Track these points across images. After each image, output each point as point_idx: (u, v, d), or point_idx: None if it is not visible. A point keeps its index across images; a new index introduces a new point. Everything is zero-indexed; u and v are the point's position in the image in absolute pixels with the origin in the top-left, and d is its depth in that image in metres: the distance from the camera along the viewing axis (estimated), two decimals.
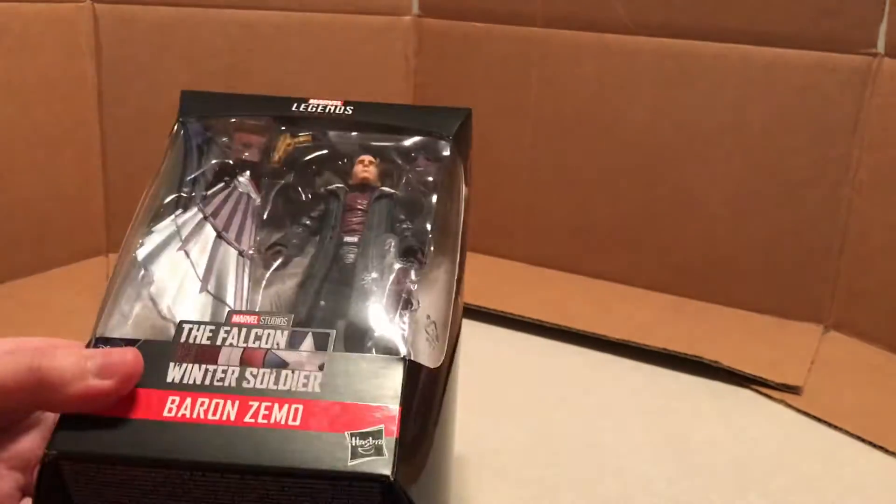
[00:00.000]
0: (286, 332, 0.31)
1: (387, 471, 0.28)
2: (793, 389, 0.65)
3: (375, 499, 0.28)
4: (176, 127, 0.41)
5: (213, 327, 0.31)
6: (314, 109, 0.42)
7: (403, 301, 0.34)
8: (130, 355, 0.29)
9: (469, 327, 0.75)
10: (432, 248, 0.36)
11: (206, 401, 0.29)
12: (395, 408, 0.29)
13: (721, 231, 0.78)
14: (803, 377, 0.66)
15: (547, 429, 0.60)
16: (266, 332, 0.32)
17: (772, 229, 0.76)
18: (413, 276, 0.35)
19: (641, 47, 0.78)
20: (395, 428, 0.29)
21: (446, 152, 0.40)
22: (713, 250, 0.79)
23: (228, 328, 0.32)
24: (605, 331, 0.71)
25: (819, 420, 0.62)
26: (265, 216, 0.38)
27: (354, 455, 0.28)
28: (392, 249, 0.36)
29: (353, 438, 0.29)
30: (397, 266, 0.35)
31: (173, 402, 0.29)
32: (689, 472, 0.55)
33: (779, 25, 0.72)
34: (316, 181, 0.39)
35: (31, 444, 0.32)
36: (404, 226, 0.38)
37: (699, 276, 0.80)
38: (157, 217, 0.36)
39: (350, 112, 0.42)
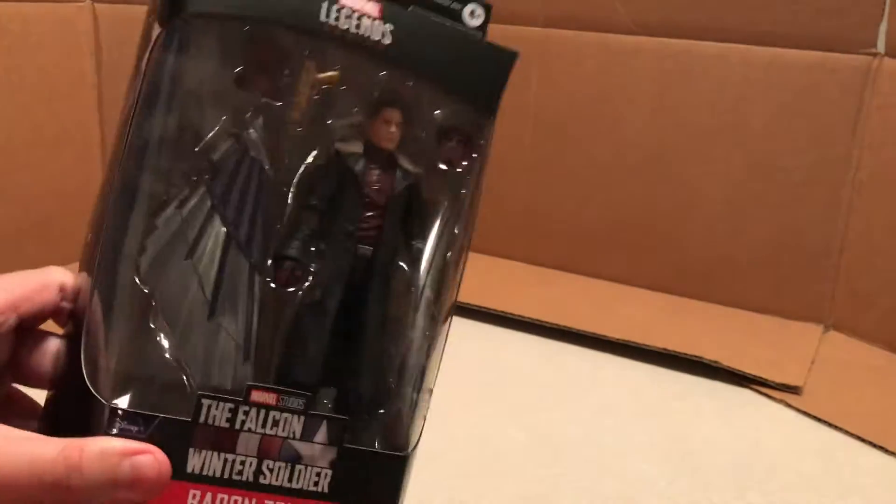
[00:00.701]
0: (302, 419, 0.31)
1: None
2: (793, 389, 0.65)
3: None
4: (171, 28, 0.29)
5: (232, 406, 0.30)
6: (348, 26, 0.31)
7: (415, 380, 0.33)
8: (165, 469, 0.28)
9: (469, 327, 0.75)
10: (440, 291, 0.34)
11: (226, 497, 0.30)
12: None
13: (721, 231, 0.78)
14: (803, 377, 0.66)
15: (547, 429, 0.60)
16: (283, 416, 0.31)
17: (772, 229, 0.76)
18: (428, 348, 0.34)
19: (642, 47, 0.78)
20: None
21: (483, 139, 0.35)
22: (713, 250, 0.79)
23: (247, 408, 0.31)
24: (605, 331, 0.71)
25: (819, 420, 0.62)
26: (276, 193, 0.32)
27: None
28: (404, 286, 0.33)
29: None
30: (410, 323, 0.33)
31: (194, 496, 0.30)
32: (689, 472, 0.55)
33: (779, 25, 0.72)
34: (332, 133, 0.32)
35: None
36: (419, 248, 0.34)
37: (699, 276, 0.80)
38: (159, 202, 0.30)
39: (389, 41, 0.32)
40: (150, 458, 0.28)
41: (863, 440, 0.59)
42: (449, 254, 0.34)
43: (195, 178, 0.31)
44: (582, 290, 0.82)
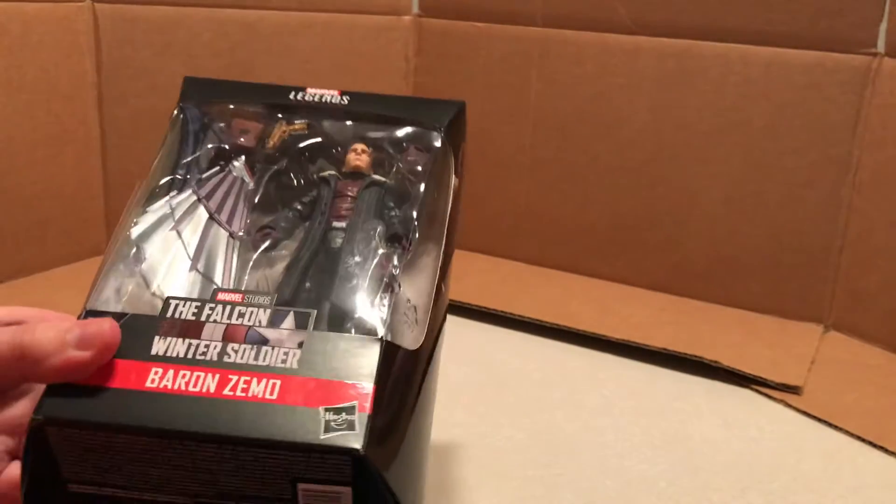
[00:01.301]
0: (268, 311, 0.32)
1: (357, 444, 0.28)
2: (793, 389, 0.65)
3: (346, 471, 0.29)
4: (176, 112, 0.42)
5: (198, 303, 0.32)
6: (311, 98, 0.42)
7: (385, 284, 0.34)
8: (107, 325, 0.30)
9: (469, 327, 0.75)
10: (417, 236, 0.37)
11: (188, 373, 0.30)
12: (369, 386, 0.30)
13: (721, 231, 0.78)
14: (803, 377, 0.66)
15: (547, 429, 0.60)
16: (249, 309, 0.32)
17: (772, 229, 0.76)
18: (396, 260, 0.36)
19: (642, 47, 0.78)
20: (368, 405, 0.30)
21: (437, 143, 0.41)
22: (713, 250, 0.79)
23: (213, 305, 0.32)
24: (605, 331, 0.71)
25: (819, 420, 0.62)
26: (257, 200, 0.39)
27: (327, 429, 0.29)
28: (378, 235, 0.37)
29: (327, 413, 0.29)
30: (381, 251, 0.36)
31: (156, 373, 0.30)
32: (688, 472, 0.55)
33: (779, 25, 0.72)
34: (309, 168, 0.40)
35: (21, 410, 0.33)
36: (392, 213, 0.38)
37: (699, 276, 0.80)
38: (153, 198, 0.37)
39: (346, 102, 0.42)
40: (94, 321, 0.30)
41: (863, 440, 0.59)
42: (421, 209, 0.38)
43: (186, 183, 0.38)
44: (582, 290, 0.82)
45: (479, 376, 0.67)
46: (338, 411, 0.29)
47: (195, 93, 0.43)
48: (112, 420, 0.29)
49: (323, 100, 0.42)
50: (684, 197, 0.79)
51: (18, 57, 0.74)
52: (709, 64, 0.75)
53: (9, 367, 0.30)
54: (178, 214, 0.37)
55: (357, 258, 0.36)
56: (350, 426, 0.29)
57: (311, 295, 0.34)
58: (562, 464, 0.55)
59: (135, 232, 0.36)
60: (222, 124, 0.41)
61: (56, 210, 0.80)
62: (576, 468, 0.55)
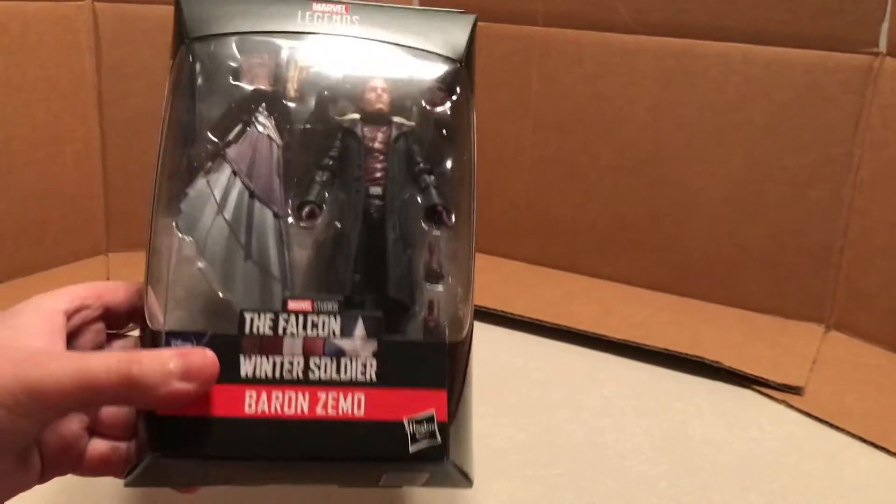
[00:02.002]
0: (339, 318, 0.34)
1: (442, 455, 0.33)
2: (794, 390, 0.65)
3: (427, 467, 0.34)
4: (178, 55, 0.38)
5: (272, 316, 0.34)
6: (319, 20, 0.40)
7: (435, 273, 0.36)
8: (210, 360, 0.32)
9: None
10: (454, 217, 0.38)
11: (280, 394, 0.33)
12: (442, 393, 0.34)
13: (722, 230, 0.78)
14: (804, 377, 0.66)
15: (547, 429, 0.60)
16: (321, 318, 0.34)
17: (773, 229, 0.76)
18: (442, 245, 0.37)
19: (642, 46, 0.78)
20: (444, 411, 0.33)
21: (458, 82, 0.39)
22: (714, 250, 0.79)
23: (286, 316, 0.34)
24: (605, 330, 0.71)
25: (820, 420, 0.62)
26: (288, 159, 0.37)
27: (413, 440, 0.33)
28: (416, 208, 0.37)
29: (410, 424, 0.33)
30: (426, 234, 0.37)
31: (251, 397, 0.33)
32: (689, 472, 0.55)
33: (780, 24, 0.72)
34: (330, 109, 0.38)
35: None
36: (425, 175, 0.38)
37: (700, 275, 0.80)
38: (187, 173, 0.36)
39: (356, 20, 0.40)
40: (197, 352, 0.32)
41: (864, 440, 0.59)
42: (451, 170, 0.38)
43: (216, 154, 0.37)
44: (582, 289, 0.82)
45: (479, 376, 0.66)
46: (419, 422, 0.33)
47: (193, 21, 0.38)
48: (224, 453, 0.32)
49: (332, 20, 0.40)
50: (685, 196, 0.79)
51: (18, 56, 0.74)
52: (710, 63, 0.75)
53: (116, 396, 0.31)
54: (218, 195, 0.36)
55: (402, 239, 0.37)
56: (432, 436, 0.33)
57: (363, 284, 0.35)
58: (562, 464, 0.55)
59: (183, 222, 0.35)
60: (233, 64, 0.38)
61: (56, 210, 0.80)
62: (576, 468, 0.55)
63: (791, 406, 0.64)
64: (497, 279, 0.84)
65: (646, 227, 0.82)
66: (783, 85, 0.73)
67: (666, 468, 0.55)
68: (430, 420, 0.33)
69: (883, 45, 0.69)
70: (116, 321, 0.38)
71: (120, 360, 0.31)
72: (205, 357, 0.32)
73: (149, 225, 0.36)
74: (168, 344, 0.33)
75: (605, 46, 0.79)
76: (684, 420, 0.62)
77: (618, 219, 0.83)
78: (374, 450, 0.33)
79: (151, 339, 0.34)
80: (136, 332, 0.37)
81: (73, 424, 0.35)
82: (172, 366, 0.31)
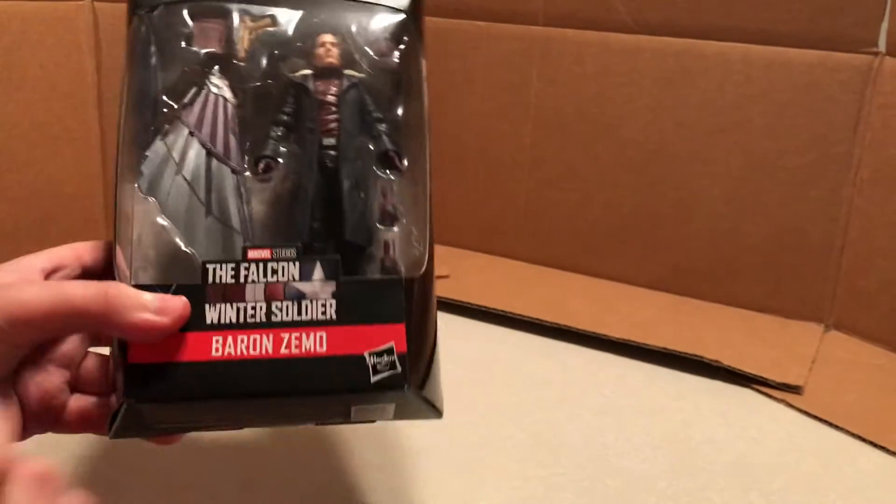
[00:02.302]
0: (297, 264, 0.36)
1: (403, 384, 0.35)
2: (794, 389, 0.65)
3: (392, 397, 0.35)
4: (134, 23, 0.39)
5: (233, 265, 0.36)
6: None
7: (389, 215, 0.38)
8: (182, 301, 0.34)
9: (469, 326, 0.75)
10: (405, 150, 0.39)
11: (245, 338, 0.34)
12: (400, 325, 0.35)
13: (722, 230, 0.78)
14: (804, 377, 0.66)
15: (547, 429, 0.60)
16: (280, 265, 0.36)
17: (772, 228, 0.76)
18: (395, 188, 0.38)
19: (642, 46, 0.78)
20: (403, 343, 0.35)
21: (405, 31, 0.41)
22: (714, 249, 0.79)
23: (247, 264, 0.36)
24: (605, 330, 0.71)
25: (820, 420, 0.62)
26: (242, 118, 0.39)
27: (374, 371, 0.35)
28: (370, 154, 0.38)
29: (371, 357, 0.35)
30: (379, 179, 0.38)
31: (217, 342, 0.34)
32: (689, 472, 0.55)
33: (780, 24, 0.72)
34: (281, 67, 0.40)
35: (72, 344, 0.37)
36: (377, 124, 0.39)
37: (700, 275, 0.80)
38: (145, 138, 0.38)
39: None
40: (170, 296, 0.34)
41: (864, 440, 0.59)
42: (403, 118, 0.39)
43: (173, 117, 0.38)
44: (582, 289, 0.82)
45: (480, 376, 0.67)
46: (380, 354, 0.35)
47: None
48: (194, 394, 0.34)
49: None
50: (684, 196, 0.79)
51: (18, 56, 0.74)
52: (709, 63, 0.75)
53: (93, 312, 0.32)
54: (177, 155, 0.37)
55: (356, 186, 0.38)
56: (392, 366, 0.35)
57: (321, 231, 0.37)
58: (562, 463, 0.55)
59: (143, 184, 0.37)
60: (185, 30, 0.40)
61: (56, 209, 0.80)
62: (576, 468, 0.55)
63: (791, 405, 0.64)
64: (497, 279, 0.84)
65: (646, 227, 0.82)
66: (783, 85, 0.73)
67: (665, 468, 0.55)
68: (389, 352, 0.35)
69: (882, 45, 0.69)
70: (96, 279, 0.39)
71: (98, 283, 0.33)
72: (178, 298, 0.34)
73: (113, 190, 0.37)
74: None
75: (605, 46, 0.79)
76: (684, 419, 0.62)
77: (618, 219, 0.83)
78: (338, 383, 0.34)
79: None
80: None
81: (54, 377, 0.36)
82: (148, 297, 0.33)
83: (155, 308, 0.33)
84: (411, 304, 0.36)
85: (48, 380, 0.36)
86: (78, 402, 0.37)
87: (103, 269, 0.39)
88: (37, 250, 0.87)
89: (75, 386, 0.37)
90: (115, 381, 0.35)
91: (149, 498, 0.51)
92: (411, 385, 0.35)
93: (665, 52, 0.77)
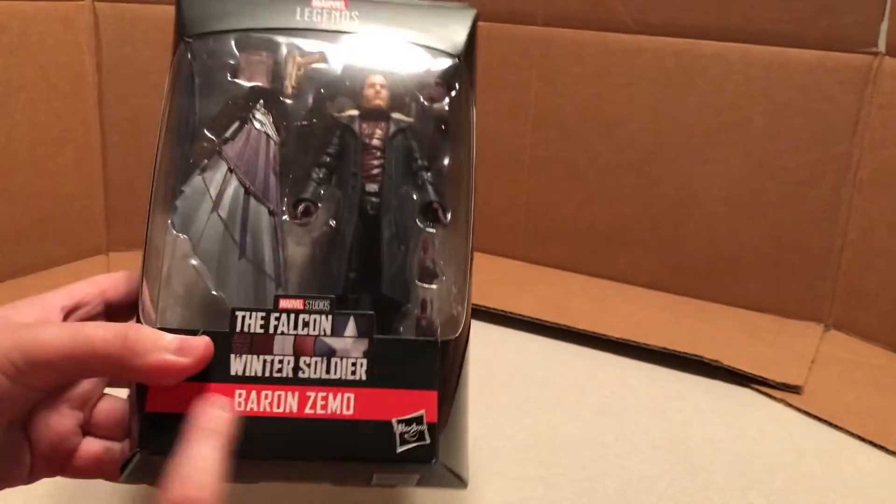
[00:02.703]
0: (330, 317, 0.34)
1: (430, 457, 0.33)
2: (793, 389, 0.65)
3: (416, 469, 0.33)
4: (180, 49, 0.38)
5: (263, 314, 0.34)
6: (318, 16, 0.40)
7: (429, 272, 0.36)
8: (205, 341, 0.32)
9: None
10: (449, 203, 0.37)
11: (270, 393, 0.33)
12: (432, 392, 0.33)
13: (721, 230, 0.78)
14: (804, 376, 0.66)
15: (547, 429, 0.60)
16: (312, 317, 0.34)
17: (772, 228, 0.76)
18: (436, 243, 0.37)
19: (642, 46, 0.78)
20: (434, 412, 0.33)
21: (458, 81, 0.39)
22: (713, 249, 0.79)
23: (278, 314, 0.34)
24: (605, 330, 0.71)
25: (819, 419, 0.62)
26: (285, 155, 0.38)
27: (402, 441, 0.33)
28: (413, 204, 0.37)
29: (399, 425, 0.33)
30: (422, 233, 0.37)
31: (240, 395, 0.32)
32: (689, 472, 0.55)
33: (779, 24, 0.72)
34: (328, 106, 0.38)
35: (88, 385, 0.36)
36: (422, 172, 0.38)
37: (699, 275, 0.80)
38: (183, 170, 0.37)
39: (356, 18, 0.40)
40: (194, 338, 0.32)
41: (863, 440, 0.59)
42: (449, 167, 0.38)
43: (213, 151, 0.37)
44: (582, 289, 0.82)
45: (479, 376, 0.66)
46: (409, 422, 0.33)
47: (193, 19, 0.39)
48: None
49: (332, 18, 0.40)
50: (684, 196, 0.79)
51: (18, 56, 0.74)
52: (709, 63, 0.75)
53: (112, 354, 0.31)
54: (214, 192, 0.36)
55: (397, 237, 0.36)
56: (421, 437, 0.33)
57: (358, 282, 0.35)
58: (562, 464, 0.55)
59: (178, 221, 0.36)
60: (231, 61, 0.38)
61: (56, 209, 0.80)
62: (576, 468, 0.55)
63: (790, 405, 0.64)
64: (497, 279, 0.84)
65: (646, 227, 0.82)
66: (782, 85, 0.73)
67: (665, 467, 0.55)
68: (419, 420, 0.33)
69: (882, 45, 0.69)
70: (120, 315, 0.38)
71: (118, 326, 0.32)
72: (200, 338, 0.32)
73: (146, 221, 0.36)
74: None
75: (605, 46, 0.79)
76: (684, 419, 0.62)
77: (618, 218, 0.83)
78: (362, 450, 0.33)
79: None
80: None
81: (67, 420, 0.35)
82: (168, 339, 0.32)
83: (174, 348, 0.32)
84: (446, 370, 0.34)
85: (61, 422, 0.35)
86: (89, 447, 0.36)
87: (127, 305, 0.37)
88: (37, 250, 0.87)
89: (88, 429, 0.36)
90: (130, 427, 0.34)
91: (149, 498, 0.51)
92: (439, 458, 0.33)
93: (665, 52, 0.77)
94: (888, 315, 0.72)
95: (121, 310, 0.38)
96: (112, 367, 0.32)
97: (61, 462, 0.35)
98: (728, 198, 0.77)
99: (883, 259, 0.72)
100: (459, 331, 0.35)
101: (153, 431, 0.32)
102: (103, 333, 0.31)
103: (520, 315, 0.74)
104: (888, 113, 0.70)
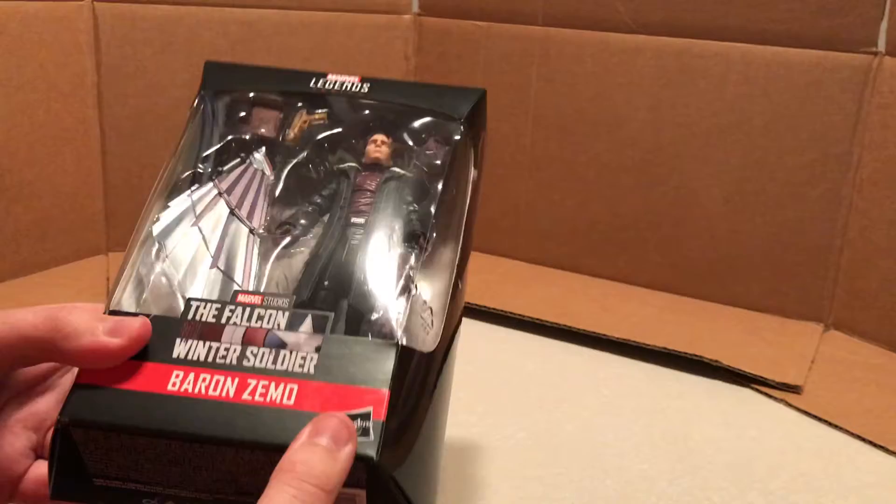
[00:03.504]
0: (287, 313, 0.33)
1: (372, 452, 0.29)
2: (793, 389, 0.65)
3: (361, 476, 0.29)
4: (197, 100, 0.41)
5: (218, 305, 0.33)
6: (332, 86, 0.42)
7: (402, 286, 0.35)
8: (139, 321, 0.31)
9: (469, 327, 0.75)
10: (435, 234, 0.37)
11: (208, 377, 0.31)
12: (384, 391, 0.31)
13: (721, 230, 0.78)
14: (803, 376, 0.66)
15: (547, 429, 0.60)
16: (268, 312, 0.33)
17: (772, 228, 0.76)
18: (413, 260, 0.36)
19: (642, 46, 0.78)
20: (382, 410, 0.30)
21: (457, 135, 0.41)
22: (713, 249, 0.79)
23: (233, 307, 0.33)
24: (605, 330, 0.71)
25: (819, 419, 0.62)
26: (277, 194, 0.39)
27: None
28: (396, 234, 0.37)
29: None
30: (399, 251, 0.36)
31: (177, 376, 0.31)
32: (689, 472, 0.55)
33: (779, 24, 0.72)
34: (329, 159, 0.40)
35: (45, 405, 0.34)
36: (411, 209, 0.38)
37: (699, 274, 0.80)
38: (174, 191, 0.37)
39: (366, 89, 0.42)
40: (128, 317, 0.31)
41: (863, 439, 0.59)
42: (437, 210, 0.38)
43: (206, 177, 0.38)
44: (582, 288, 0.82)
45: (479, 376, 0.67)
46: (353, 417, 0.30)
47: (216, 79, 0.42)
48: (136, 423, 0.30)
49: (344, 87, 0.42)
50: (684, 196, 0.79)
51: (18, 56, 0.74)
52: (709, 63, 0.75)
53: (42, 339, 0.30)
54: (198, 209, 0.37)
55: (375, 258, 0.36)
56: (365, 432, 0.30)
57: (329, 295, 0.35)
58: (562, 463, 0.55)
59: (156, 228, 0.36)
60: (243, 113, 0.41)
61: (56, 209, 0.80)
62: (576, 468, 0.55)
63: (790, 405, 0.64)
64: (497, 279, 0.84)
65: (645, 227, 0.82)
66: (782, 84, 0.73)
67: (665, 467, 0.55)
68: (365, 417, 0.30)
69: (882, 45, 0.69)
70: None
71: (48, 308, 0.30)
72: (134, 319, 0.31)
73: (132, 237, 0.36)
74: None
75: (605, 46, 0.79)
76: (683, 419, 0.62)
77: (618, 218, 0.83)
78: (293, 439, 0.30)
79: None
80: None
81: (19, 441, 0.33)
82: (101, 321, 0.30)
83: (107, 329, 0.30)
84: (405, 375, 0.32)
85: (13, 443, 0.33)
86: (41, 470, 0.33)
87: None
88: (37, 250, 0.87)
89: (41, 452, 0.34)
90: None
91: None
92: (384, 463, 0.29)
93: (665, 52, 0.77)
94: (888, 315, 0.72)
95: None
96: (43, 352, 0.31)
97: (10, 485, 0.33)
98: (728, 197, 0.77)
99: (882, 259, 0.72)
100: (434, 347, 0.34)
101: (79, 402, 0.30)
102: (32, 318, 0.30)
103: (520, 315, 0.75)
104: (888, 113, 0.70)
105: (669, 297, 0.81)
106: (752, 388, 0.66)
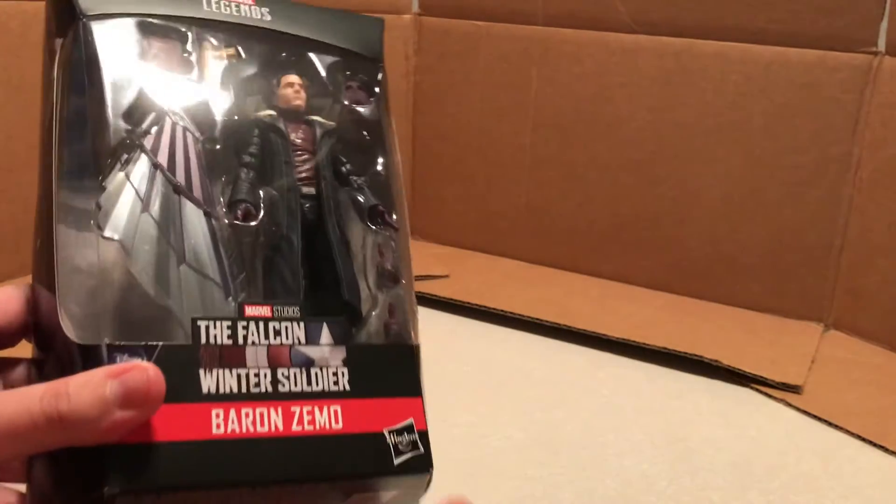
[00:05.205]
0: (301, 324, 0.31)
1: (429, 468, 0.31)
2: (793, 388, 0.65)
3: (420, 488, 0.32)
4: (71, 33, 0.32)
5: (229, 323, 0.30)
6: (227, 9, 0.36)
7: (392, 277, 0.34)
8: (152, 375, 0.26)
9: (469, 327, 0.75)
10: (395, 217, 0.36)
11: (251, 411, 0.29)
12: (417, 400, 0.32)
13: (721, 229, 0.78)
14: (803, 376, 0.66)
15: (546, 428, 0.60)
16: (283, 325, 0.31)
17: (772, 228, 0.76)
18: (393, 246, 0.35)
19: (642, 46, 0.78)
20: (423, 419, 0.32)
21: (378, 78, 0.38)
22: (713, 249, 0.79)
23: (245, 323, 0.31)
24: (605, 330, 0.71)
25: (819, 419, 0.62)
26: (210, 155, 0.33)
27: (397, 452, 0.31)
28: (356, 209, 0.35)
29: (391, 436, 0.31)
30: (375, 236, 0.35)
31: (217, 416, 0.29)
32: (689, 472, 0.55)
33: (780, 24, 0.72)
34: (246, 103, 0.35)
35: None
36: (353, 177, 0.36)
37: (699, 274, 0.80)
38: (98, 166, 0.31)
39: (268, 17, 0.37)
40: (136, 371, 0.26)
41: (863, 439, 0.59)
42: (382, 171, 0.36)
43: (133, 145, 0.32)
44: (582, 288, 0.82)
45: (479, 376, 0.67)
46: (399, 432, 0.31)
47: (88, 2, 0.33)
48: (195, 479, 0.28)
49: (241, 12, 0.36)
50: (684, 195, 0.79)
51: (18, 56, 0.74)
52: (709, 63, 0.75)
53: (47, 440, 0.26)
54: (141, 190, 0.31)
55: (346, 244, 0.34)
56: (414, 446, 0.31)
57: (324, 295, 0.33)
58: (562, 463, 0.55)
59: (104, 221, 0.30)
60: (137, 48, 0.34)
61: None
62: (576, 468, 0.55)
63: (790, 405, 0.64)
64: (497, 278, 0.84)
65: (645, 227, 0.82)
66: (782, 84, 0.73)
67: (665, 467, 0.55)
68: (409, 429, 0.31)
69: (882, 45, 0.69)
70: (8, 341, 0.32)
71: (43, 397, 0.25)
72: (146, 373, 0.26)
73: (44, 234, 0.30)
74: (112, 360, 0.28)
75: (605, 46, 0.79)
76: (683, 419, 0.62)
77: (617, 218, 0.83)
78: (360, 466, 0.30)
79: (82, 357, 0.28)
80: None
81: (7, 496, 0.30)
82: (109, 391, 0.26)
83: (120, 400, 0.26)
84: (420, 373, 0.33)
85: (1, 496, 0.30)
86: (8, 498, 0.30)
87: (19, 327, 0.31)
88: None
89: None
90: (44, 470, 0.28)
91: None
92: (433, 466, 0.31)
93: (665, 52, 0.77)
94: (888, 315, 0.72)
95: (6, 334, 0.31)
96: (52, 445, 0.26)
97: None
98: (728, 197, 0.77)
99: (882, 259, 0.72)
100: (418, 335, 0.34)
101: (116, 466, 0.26)
102: (30, 417, 0.25)
103: (520, 315, 0.75)
104: (888, 112, 0.70)
105: (669, 297, 0.81)
106: (752, 388, 0.66)
